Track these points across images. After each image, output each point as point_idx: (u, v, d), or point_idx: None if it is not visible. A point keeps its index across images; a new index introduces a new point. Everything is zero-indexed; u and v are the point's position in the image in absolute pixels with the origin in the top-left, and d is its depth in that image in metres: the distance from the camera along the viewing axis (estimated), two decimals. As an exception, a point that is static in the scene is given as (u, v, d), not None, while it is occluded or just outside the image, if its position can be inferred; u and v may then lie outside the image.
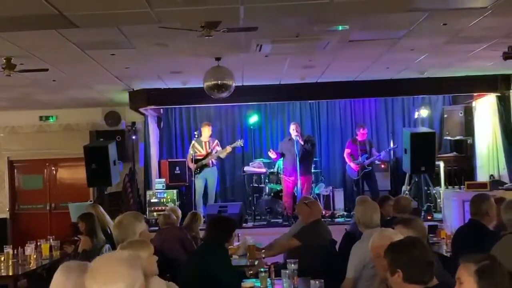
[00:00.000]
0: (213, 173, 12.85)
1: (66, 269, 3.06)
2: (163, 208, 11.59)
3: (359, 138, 12.66)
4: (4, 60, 8.23)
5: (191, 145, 12.77)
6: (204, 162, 12.55)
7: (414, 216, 5.39)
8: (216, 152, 12.65)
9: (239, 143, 12.70)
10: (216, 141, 12.86)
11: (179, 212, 8.83)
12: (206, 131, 12.69)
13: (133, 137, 13.04)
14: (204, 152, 12.62)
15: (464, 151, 13.53)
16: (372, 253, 4.24)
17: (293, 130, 12.21)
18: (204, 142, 12.68)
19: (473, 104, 13.13)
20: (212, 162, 12.72)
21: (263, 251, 7.27)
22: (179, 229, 7.87)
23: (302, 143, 12.06)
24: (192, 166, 12.49)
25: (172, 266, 6.31)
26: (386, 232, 4.31)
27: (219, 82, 9.00)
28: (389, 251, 3.56)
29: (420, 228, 4.58)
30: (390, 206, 7.72)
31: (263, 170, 12.77)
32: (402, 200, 7.74)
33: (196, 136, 12.79)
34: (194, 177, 12.47)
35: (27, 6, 5.69)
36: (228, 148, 12.64)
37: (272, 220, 11.93)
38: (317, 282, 4.71)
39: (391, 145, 13.18)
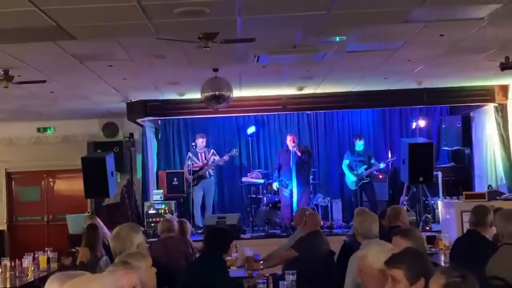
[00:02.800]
0: (211, 184, 12.87)
1: (54, 280, 3.00)
2: (161, 219, 11.57)
3: (357, 148, 12.70)
4: (2, 72, 8.22)
5: (187, 156, 12.82)
6: (200, 173, 12.58)
7: (412, 227, 5.39)
8: (213, 162, 12.69)
9: (234, 152, 12.75)
10: (212, 150, 12.91)
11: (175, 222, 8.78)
12: (200, 143, 12.75)
13: (131, 148, 13.02)
14: (200, 163, 12.66)
15: (462, 161, 13.53)
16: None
17: (290, 141, 12.29)
18: (200, 153, 12.73)
19: (471, 114, 13.15)
20: (209, 173, 12.75)
21: (261, 262, 7.26)
22: (183, 241, 7.75)
23: (299, 154, 12.11)
24: (189, 177, 12.51)
25: (171, 279, 6.28)
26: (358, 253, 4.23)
27: (217, 93, 9.01)
28: (409, 256, 3.43)
29: (419, 238, 4.57)
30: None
31: (261, 181, 12.76)
32: (388, 211, 7.62)
33: (194, 147, 12.82)
34: (192, 188, 12.47)
35: (25, 18, 5.70)
36: (226, 157, 12.69)
37: (270, 231, 11.89)
38: (315, 293, 4.70)
39: (389, 156, 13.18)
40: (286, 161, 12.26)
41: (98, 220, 8.59)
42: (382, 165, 12.72)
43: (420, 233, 4.80)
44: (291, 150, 12.21)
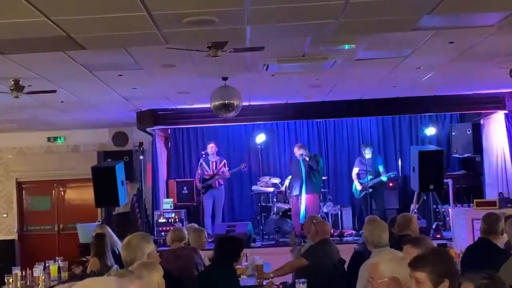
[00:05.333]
0: (220, 193, 12.89)
1: None
2: (171, 228, 11.58)
3: (366, 156, 12.70)
4: (13, 82, 8.27)
5: (199, 163, 12.84)
6: (210, 182, 12.61)
7: (422, 235, 5.37)
8: (222, 173, 12.71)
9: (243, 167, 12.81)
10: (224, 161, 12.93)
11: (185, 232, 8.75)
12: (210, 149, 12.80)
13: (141, 157, 13.06)
14: (211, 172, 12.68)
15: (473, 169, 13.48)
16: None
17: (297, 151, 12.33)
18: (212, 162, 12.75)
19: (481, 121, 13.11)
20: (218, 182, 12.78)
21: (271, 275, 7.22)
22: (195, 251, 7.68)
23: (307, 159, 12.13)
24: (199, 185, 12.54)
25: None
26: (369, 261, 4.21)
27: (226, 101, 9.02)
28: (432, 258, 3.42)
29: (429, 247, 4.55)
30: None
31: (271, 189, 12.77)
32: (399, 219, 7.61)
33: (204, 155, 12.84)
34: (201, 196, 12.50)
35: (36, 29, 5.73)
36: (233, 170, 12.84)
37: (280, 240, 11.87)
38: (326, 302, 4.69)
39: (399, 163, 13.19)
40: (296, 171, 12.31)
41: (108, 229, 8.60)
42: (384, 178, 12.70)
43: (431, 241, 4.79)
44: (299, 159, 12.24)
